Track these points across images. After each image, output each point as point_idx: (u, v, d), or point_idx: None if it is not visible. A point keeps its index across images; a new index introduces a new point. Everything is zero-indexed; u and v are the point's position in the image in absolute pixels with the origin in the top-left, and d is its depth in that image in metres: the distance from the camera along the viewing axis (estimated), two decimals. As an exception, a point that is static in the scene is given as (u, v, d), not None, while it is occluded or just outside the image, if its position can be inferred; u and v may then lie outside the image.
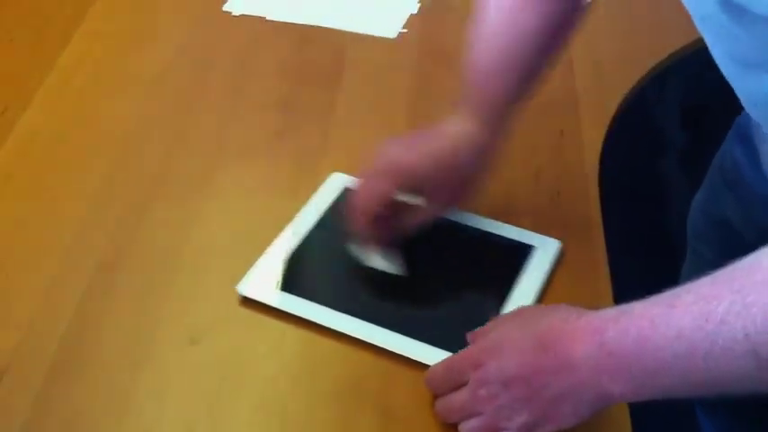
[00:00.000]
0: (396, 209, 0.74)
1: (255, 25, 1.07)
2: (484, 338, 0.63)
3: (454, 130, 0.75)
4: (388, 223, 0.74)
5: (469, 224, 0.80)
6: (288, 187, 0.85)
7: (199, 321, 0.72)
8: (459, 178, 0.75)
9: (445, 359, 0.65)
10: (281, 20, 1.07)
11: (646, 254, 1.32)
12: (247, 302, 0.73)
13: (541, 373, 0.57)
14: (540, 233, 0.79)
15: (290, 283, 0.74)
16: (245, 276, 0.74)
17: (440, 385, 0.64)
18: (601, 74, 1.00)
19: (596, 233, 0.80)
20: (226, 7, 1.09)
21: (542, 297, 0.74)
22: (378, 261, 0.76)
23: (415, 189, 0.74)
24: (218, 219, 0.82)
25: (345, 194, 0.81)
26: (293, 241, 0.78)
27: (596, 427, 0.62)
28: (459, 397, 0.62)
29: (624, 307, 0.55)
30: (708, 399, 1.06)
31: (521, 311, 0.65)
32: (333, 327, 0.71)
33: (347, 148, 0.89)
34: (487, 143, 0.75)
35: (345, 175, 0.84)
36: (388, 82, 0.99)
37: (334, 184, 0.83)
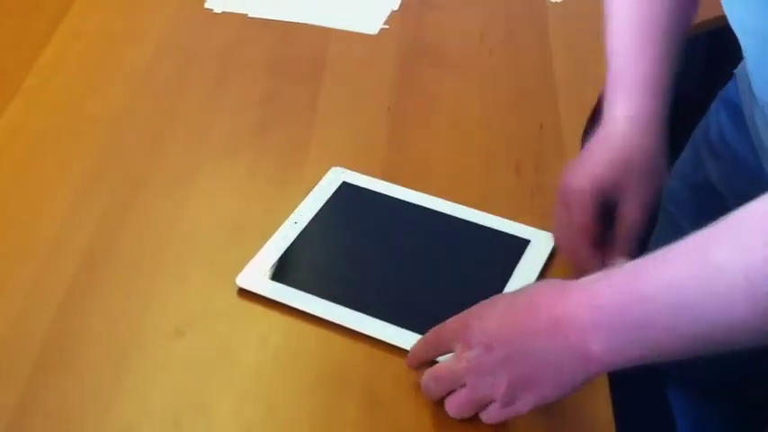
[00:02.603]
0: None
1: (237, 22, 1.07)
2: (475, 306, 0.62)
3: (615, 125, 0.72)
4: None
5: (463, 217, 0.81)
6: (271, 182, 0.86)
7: (184, 314, 0.72)
8: (647, 167, 0.71)
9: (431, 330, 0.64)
10: (263, 17, 1.07)
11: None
12: (232, 295, 0.74)
13: (524, 334, 0.57)
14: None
15: (289, 274, 0.75)
16: (245, 268, 0.74)
17: (426, 354, 0.64)
18: (579, 66, 1.02)
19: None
20: (207, 4, 1.09)
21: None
22: None
23: (611, 201, 0.70)
24: (203, 213, 0.82)
25: (344, 188, 0.83)
26: (292, 234, 0.78)
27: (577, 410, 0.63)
28: (444, 364, 0.62)
29: (615, 268, 0.55)
30: (678, 373, 1.08)
31: (524, 287, 0.62)
32: (329, 318, 0.71)
33: (330, 142, 0.90)
34: (653, 119, 0.71)
35: (345, 170, 0.84)
36: (370, 78, 0.99)
37: (334, 178, 0.84)
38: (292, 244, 0.77)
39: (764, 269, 0.47)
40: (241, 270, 0.75)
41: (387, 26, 1.06)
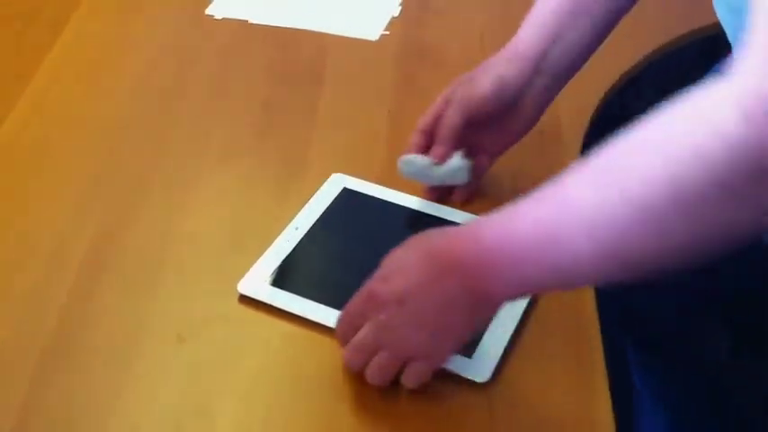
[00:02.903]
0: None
1: (238, 28, 1.07)
2: (376, 273, 0.64)
3: (500, 69, 0.79)
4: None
5: (463, 222, 0.81)
6: (272, 187, 0.86)
7: (186, 320, 0.73)
8: (514, 112, 0.79)
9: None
10: (264, 23, 1.08)
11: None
12: (234, 300, 0.74)
13: (428, 283, 0.60)
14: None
15: (290, 281, 0.75)
16: (246, 275, 0.75)
17: (346, 332, 0.65)
18: (579, 74, 1.02)
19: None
20: (208, 11, 1.10)
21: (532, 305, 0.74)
22: (442, 173, 0.79)
23: (480, 118, 0.79)
24: (204, 219, 0.83)
25: (345, 194, 0.83)
26: (293, 240, 0.78)
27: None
28: (362, 332, 0.63)
29: (498, 211, 0.60)
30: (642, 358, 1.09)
31: (408, 241, 0.65)
32: (329, 324, 0.70)
33: (331, 148, 0.90)
34: (525, 90, 0.79)
35: (346, 176, 0.85)
36: (370, 83, 1.00)
37: (335, 184, 0.84)
38: (293, 250, 0.78)
39: (603, 209, 0.52)
40: (242, 276, 0.75)
41: (387, 32, 1.06)
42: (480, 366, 0.68)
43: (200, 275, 0.76)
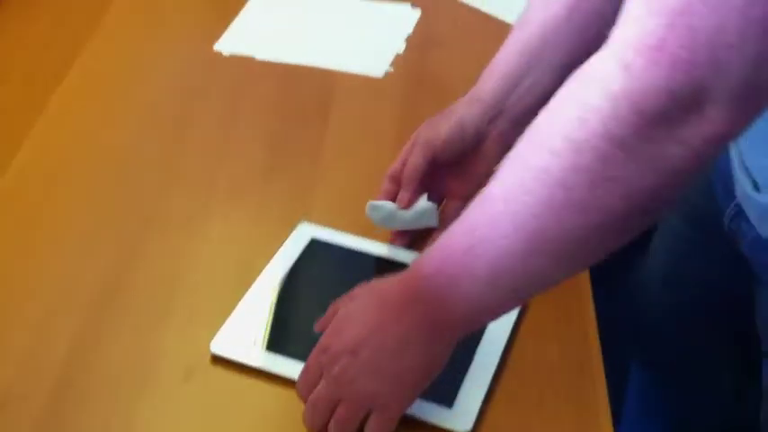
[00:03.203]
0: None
1: (245, 64, 1.09)
2: (329, 327, 0.65)
3: (461, 112, 0.81)
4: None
5: None
6: (277, 226, 0.86)
7: (193, 357, 0.74)
8: (477, 154, 0.81)
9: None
10: (271, 59, 1.09)
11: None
12: (240, 338, 0.75)
13: (380, 327, 0.61)
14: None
15: (265, 338, 0.74)
16: (218, 334, 0.74)
17: (304, 389, 0.65)
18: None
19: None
20: (216, 47, 1.11)
21: (515, 337, 0.75)
22: (409, 217, 0.80)
23: (444, 161, 0.80)
24: (211, 256, 0.84)
25: (313, 245, 0.82)
26: (264, 295, 0.78)
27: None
28: (318, 390, 0.63)
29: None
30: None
31: (353, 292, 0.66)
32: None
33: (335, 187, 0.91)
34: (485, 132, 0.80)
35: (313, 225, 0.85)
36: (375, 120, 1.01)
37: (302, 234, 0.84)
38: (262, 306, 0.77)
39: (520, 193, 0.54)
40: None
41: (392, 69, 1.08)
42: (461, 416, 0.67)
43: (207, 313, 0.77)
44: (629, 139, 0.50)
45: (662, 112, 0.49)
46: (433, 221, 0.81)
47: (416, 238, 0.83)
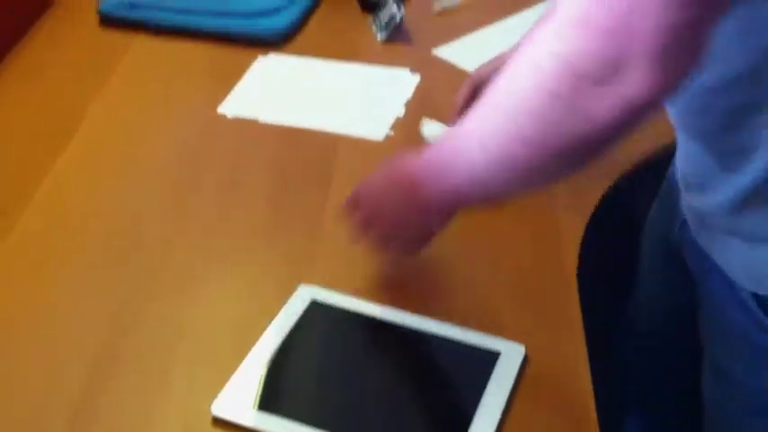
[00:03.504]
0: None
1: (249, 127, 1.11)
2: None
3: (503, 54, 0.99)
4: None
5: (433, 331, 0.82)
6: (278, 288, 0.87)
7: (192, 419, 0.74)
8: None
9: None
10: (274, 122, 1.12)
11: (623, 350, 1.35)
12: (242, 400, 0.75)
13: (389, 193, 0.80)
14: (524, 333, 0.82)
15: (266, 401, 0.75)
16: (219, 395, 0.75)
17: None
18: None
19: (576, 332, 0.83)
20: (220, 109, 1.14)
21: (512, 401, 0.76)
22: None
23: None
24: (210, 317, 0.85)
25: (314, 307, 0.84)
26: (265, 357, 0.79)
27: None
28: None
29: None
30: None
31: (380, 169, 0.83)
32: None
33: (336, 249, 0.92)
34: None
35: (314, 287, 0.86)
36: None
37: (303, 296, 0.85)
38: (265, 368, 0.78)
39: (485, 123, 0.70)
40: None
41: (392, 132, 1.10)
42: None
43: (208, 375, 0.78)
44: (565, 93, 0.62)
45: (589, 73, 0.61)
46: None
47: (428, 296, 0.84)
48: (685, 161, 0.86)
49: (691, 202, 0.87)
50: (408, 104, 1.15)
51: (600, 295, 1.09)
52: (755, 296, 0.79)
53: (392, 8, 1.30)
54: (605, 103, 0.61)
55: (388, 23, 1.29)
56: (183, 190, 1.01)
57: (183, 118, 1.14)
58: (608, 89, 0.60)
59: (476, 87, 1.00)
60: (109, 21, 1.32)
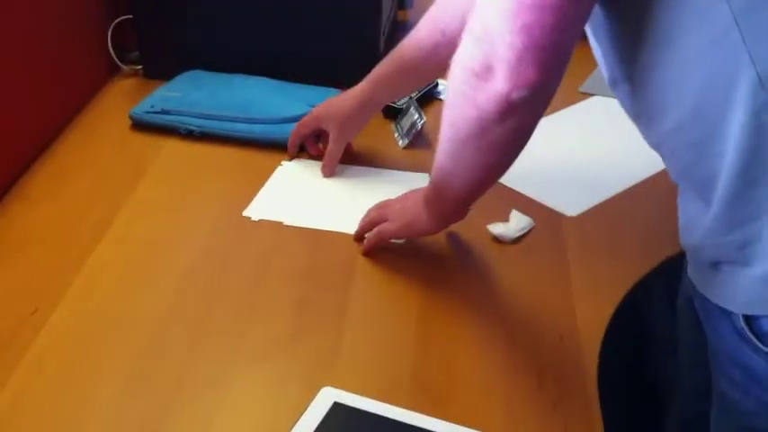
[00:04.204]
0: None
1: (273, 229, 1.14)
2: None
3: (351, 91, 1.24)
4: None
5: None
6: (302, 391, 0.88)
7: None
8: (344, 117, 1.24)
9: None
10: (297, 225, 1.15)
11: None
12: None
13: (403, 205, 1.08)
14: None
15: None
16: None
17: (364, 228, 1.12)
18: (595, 277, 1.07)
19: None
20: (245, 212, 1.17)
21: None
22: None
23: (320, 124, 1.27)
24: (236, 420, 0.86)
25: (336, 410, 0.84)
26: None
27: None
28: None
29: None
30: None
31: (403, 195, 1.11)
32: None
33: (359, 351, 0.94)
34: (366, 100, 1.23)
35: (336, 389, 0.87)
36: (399, 284, 1.05)
37: (325, 399, 0.86)
38: None
39: (440, 154, 0.94)
40: None
41: (413, 236, 1.13)
42: None
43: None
44: (459, 85, 0.82)
45: (473, 71, 0.79)
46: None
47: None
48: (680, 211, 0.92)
49: (685, 243, 0.91)
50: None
51: (620, 403, 1.10)
52: (747, 322, 0.83)
53: (413, 116, 1.34)
54: (485, 95, 0.79)
55: (409, 130, 1.33)
56: (211, 291, 1.03)
57: (209, 220, 1.17)
58: (486, 84, 0.78)
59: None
60: (140, 125, 1.37)
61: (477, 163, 0.90)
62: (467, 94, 0.81)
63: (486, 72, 0.77)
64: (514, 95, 0.77)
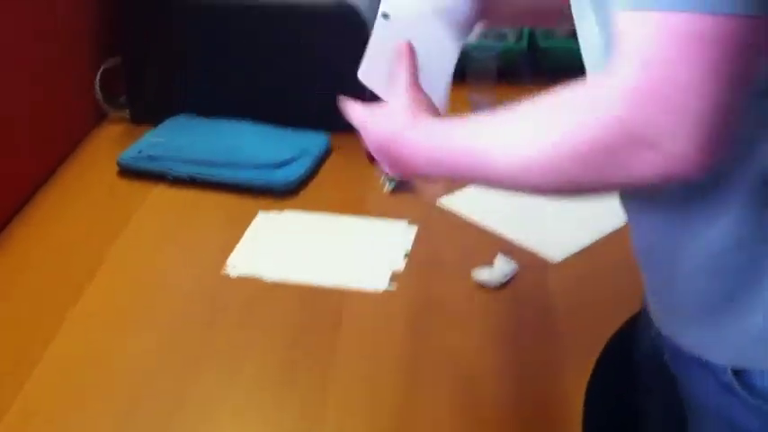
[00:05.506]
0: None
1: (254, 285, 1.13)
2: None
3: None
4: None
5: None
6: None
7: None
8: None
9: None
10: (279, 279, 1.13)
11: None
12: None
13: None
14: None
15: None
16: None
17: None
18: (581, 320, 1.06)
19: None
20: (224, 271, 1.15)
21: None
22: None
23: None
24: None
25: None
26: None
27: None
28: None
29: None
30: None
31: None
32: None
33: (346, 402, 0.93)
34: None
35: None
36: (381, 335, 1.04)
37: None
38: None
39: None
40: None
41: (394, 283, 1.12)
42: None
43: None
44: (614, 147, 0.64)
45: (644, 138, 0.63)
46: None
47: None
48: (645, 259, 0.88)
49: (658, 299, 0.88)
50: (409, 255, 1.17)
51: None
52: (736, 375, 0.79)
53: (398, 159, 1.34)
54: (647, 166, 0.64)
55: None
56: (192, 349, 1.02)
57: (193, 268, 1.17)
58: (656, 155, 0.63)
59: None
60: (128, 171, 1.38)
61: (558, 171, 0.70)
62: (617, 160, 0.65)
63: (661, 141, 0.62)
64: (687, 170, 0.63)
